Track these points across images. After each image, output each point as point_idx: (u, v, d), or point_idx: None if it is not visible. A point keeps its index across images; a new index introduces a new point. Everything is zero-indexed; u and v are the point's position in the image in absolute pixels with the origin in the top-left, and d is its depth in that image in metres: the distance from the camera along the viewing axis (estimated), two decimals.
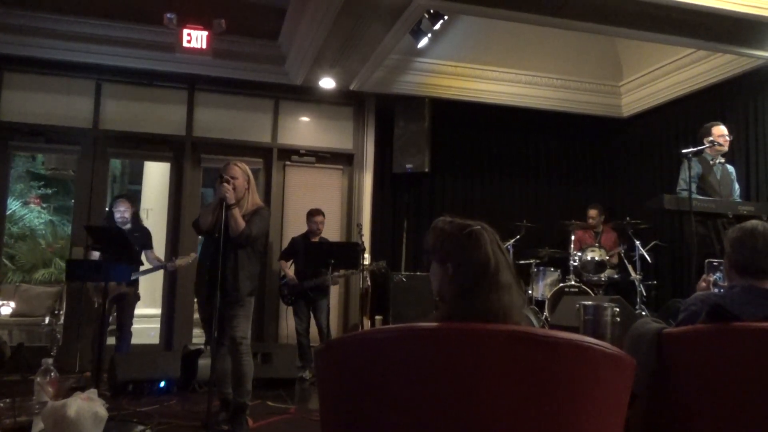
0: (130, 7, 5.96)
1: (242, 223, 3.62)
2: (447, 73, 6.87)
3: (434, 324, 1.43)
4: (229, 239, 3.59)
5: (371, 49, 5.60)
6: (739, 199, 5.14)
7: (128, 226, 5.19)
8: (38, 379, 2.06)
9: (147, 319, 7.52)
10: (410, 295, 6.21)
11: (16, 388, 4.35)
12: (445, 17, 5.57)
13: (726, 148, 5.09)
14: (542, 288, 6.44)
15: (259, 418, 4.04)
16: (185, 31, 5.67)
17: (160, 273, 5.68)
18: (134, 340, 5.41)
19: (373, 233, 6.89)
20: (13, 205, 9.93)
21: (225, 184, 3.61)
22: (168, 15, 5.58)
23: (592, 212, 6.80)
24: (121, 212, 5.19)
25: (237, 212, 3.63)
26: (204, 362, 4.84)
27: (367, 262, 6.06)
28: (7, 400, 1.87)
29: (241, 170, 3.74)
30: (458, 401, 1.29)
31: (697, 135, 5.21)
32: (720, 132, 5.04)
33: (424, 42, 5.72)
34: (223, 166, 3.79)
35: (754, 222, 2.07)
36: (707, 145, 4.96)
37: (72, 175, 9.69)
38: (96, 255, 5.07)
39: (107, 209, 5.36)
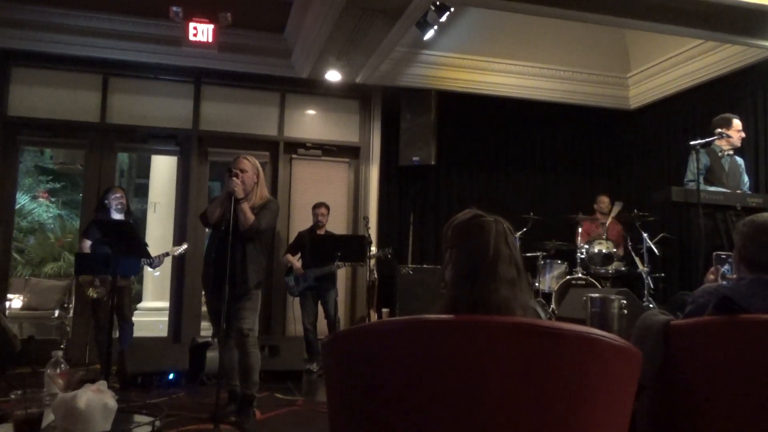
0: (136, 1, 5.98)
1: (251, 217, 3.64)
2: (453, 66, 6.85)
3: (441, 316, 1.43)
4: (238, 232, 3.61)
5: (377, 42, 5.58)
6: (747, 191, 5.10)
7: (122, 215, 5.18)
8: (48, 371, 2.07)
9: (155, 312, 7.59)
10: (417, 287, 6.22)
11: (27, 381, 4.38)
12: (452, 9, 5.53)
13: (738, 144, 4.99)
14: (549, 280, 6.43)
15: (266, 410, 4.07)
16: (191, 25, 5.67)
17: (168, 268, 5.70)
18: (143, 333, 5.45)
19: (379, 226, 6.89)
20: (22, 200, 9.97)
21: (234, 179, 3.63)
22: (174, 8, 5.59)
23: (603, 198, 6.74)
24: (118, 199, 5.16)
25: (246, 206, 3.64)
26: (212, 354, 4.88)
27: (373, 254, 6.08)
28: (18, 392, 1.89)
29: (250, 164, 3.78)
30: (465, 392, 1.29)
31: (711, 125, 4.99)
32: (739, 126, 4.92)
33: (430, 34, 5.70)
34: (233, 160, 3.81)
35: (766, 215, 2.06)
36: (716, 137, 4.90)
37: (80, 169, 9.74)
38: (87, 246, 5.09)
39: (99, 202, 5.32)
